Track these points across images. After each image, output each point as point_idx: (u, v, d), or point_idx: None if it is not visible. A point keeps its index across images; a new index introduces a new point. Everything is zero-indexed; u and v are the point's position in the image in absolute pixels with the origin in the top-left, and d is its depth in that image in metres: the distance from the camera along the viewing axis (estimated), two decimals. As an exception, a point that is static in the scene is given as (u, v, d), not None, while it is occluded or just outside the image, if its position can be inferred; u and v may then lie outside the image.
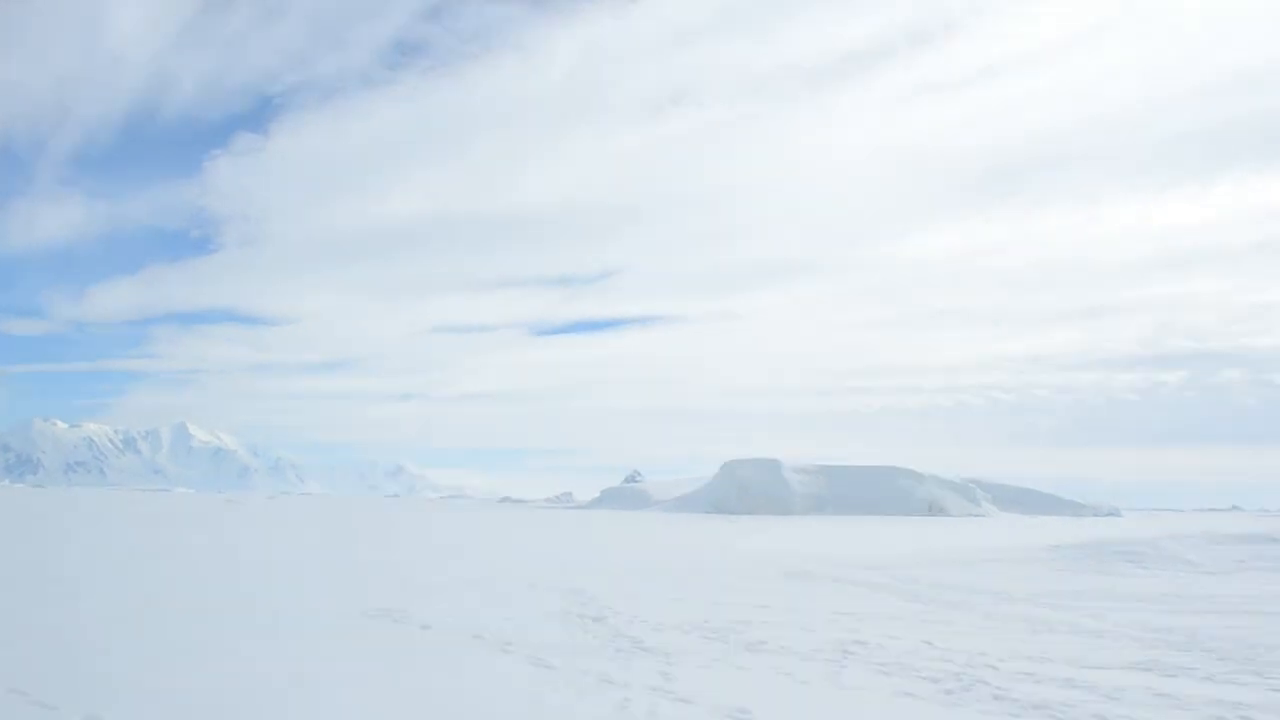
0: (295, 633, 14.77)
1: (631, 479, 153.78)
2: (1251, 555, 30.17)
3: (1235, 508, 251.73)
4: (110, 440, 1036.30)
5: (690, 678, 12.04)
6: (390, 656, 13.02)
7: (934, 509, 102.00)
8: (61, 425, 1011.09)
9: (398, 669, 12.22)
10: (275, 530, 48.46)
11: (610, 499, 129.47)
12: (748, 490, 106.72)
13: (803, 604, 19.88)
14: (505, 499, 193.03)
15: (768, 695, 11.29)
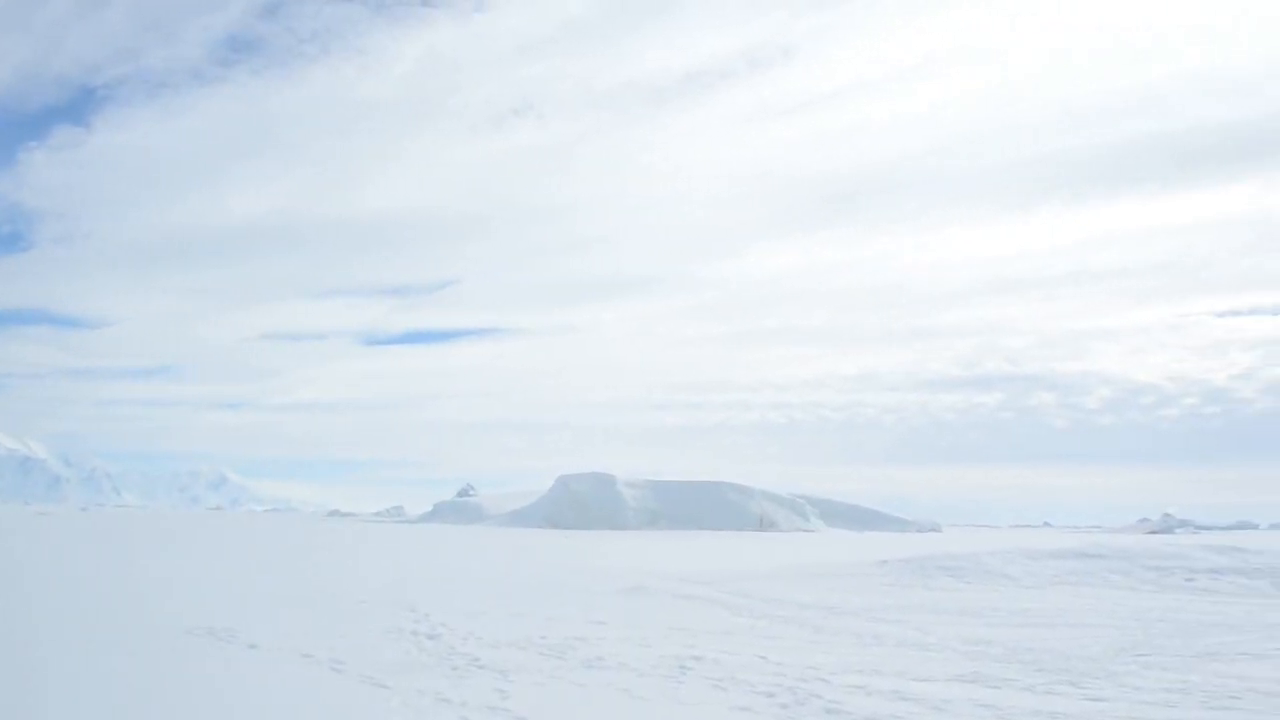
0: (109, 653, 14.05)
1: (464, 492, 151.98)
2: (1064, 570, 31.55)
3: (1047, 524, 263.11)
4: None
5: (528, 695, 11.90)
6: (215, 677, 12.50)
7: (765, 524, 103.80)
8: None
9: (223, 691, 11.74)
10: (88, 543, 46.19)
11: (442, 512, 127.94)
12: (582, 504, 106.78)
13: (639, 619, 19.91)
14: (334, 512, 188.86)
15: (606, 712, 11.24)
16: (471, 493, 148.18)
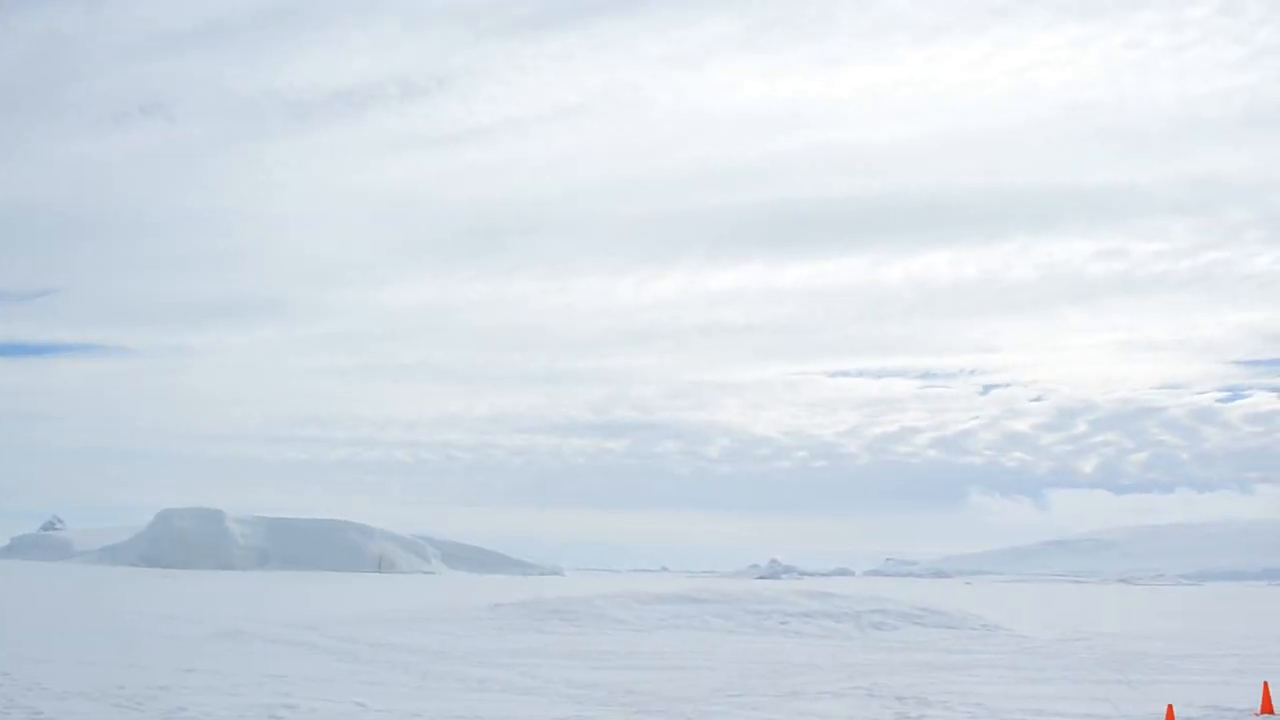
0: None
1: (50, 526, 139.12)
2: (672, 614, 32.59)
3: (665, 568, 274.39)
4: None
5: (88, 754, 10.67)
6: None
7: (384, 565, 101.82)
8: None
9: None
10: None
11: (22, 548, 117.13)
12: (185, 542, 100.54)
13: (232, 666, 18.69)
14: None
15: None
16: (59, 526, 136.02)
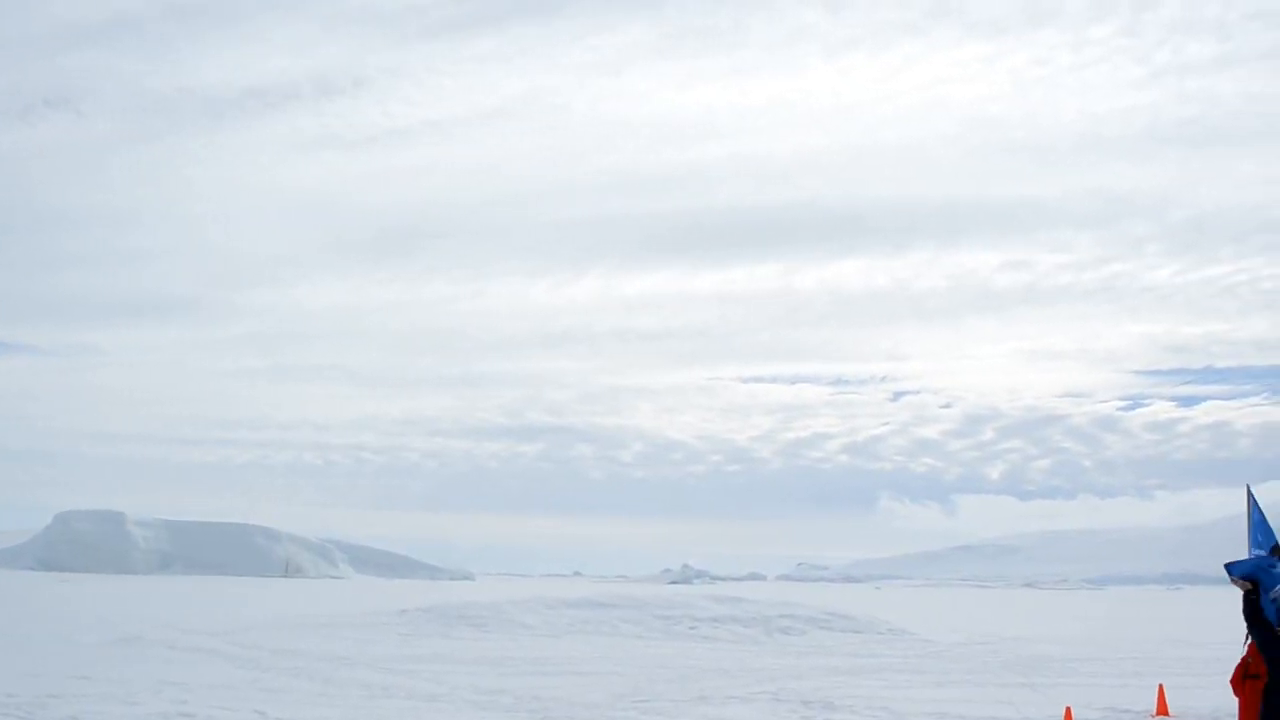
0: None
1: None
2: (581, 619, 32.49)
3: (577, 573, 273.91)
4: None
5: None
6: None
7: (291, 570, 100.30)
8: None
9: None
10: None
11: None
12: (84, 545, 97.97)
13: (128, 674, 18.20)
14: None
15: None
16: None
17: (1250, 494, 8.72)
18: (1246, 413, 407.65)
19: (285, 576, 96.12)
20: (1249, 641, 7.95)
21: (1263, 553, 8.23)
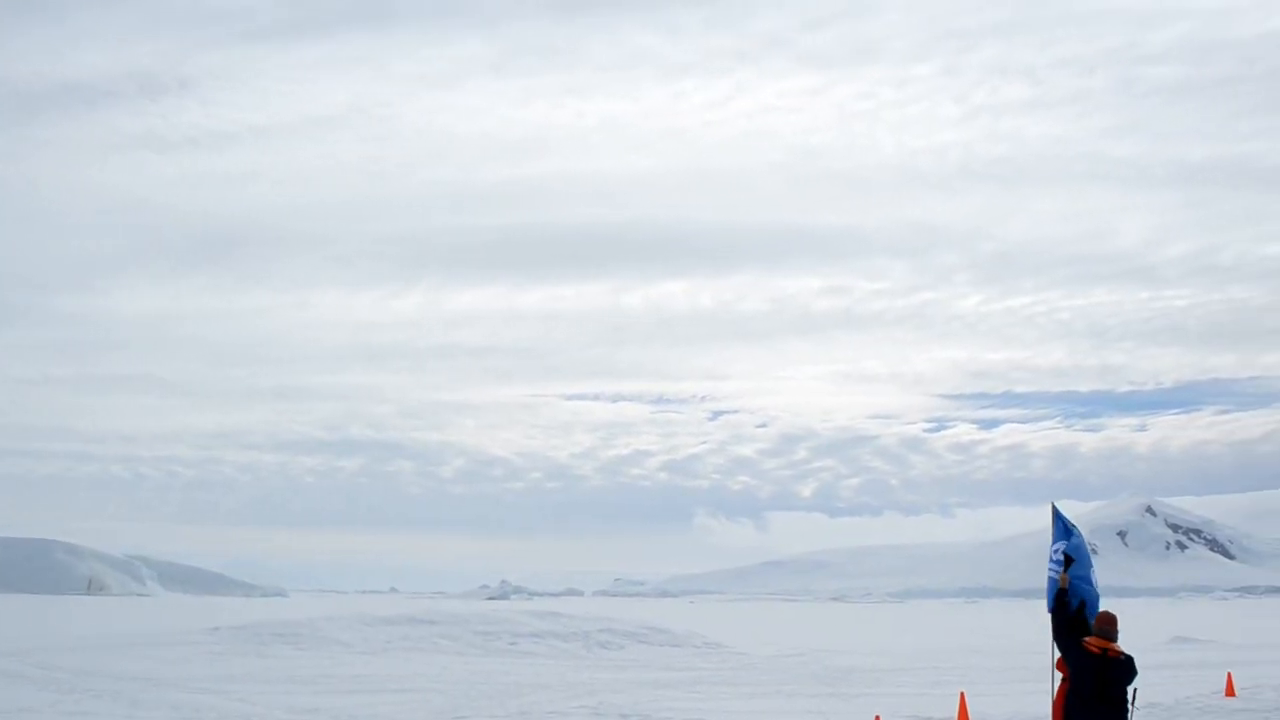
0: None
1: None
2: (399, 636, 32.12)
3: (394, 589, 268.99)
4: None
5: None
6: None
7: (94, 587, 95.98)
8: None
9: None
10: None
11: None
12: None
13: (-85, 698, 17.20)
14: None
15: None
16: None
17: (1056, 510, 9.43)
18: (1041, 435, 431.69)
19: (88, 594, 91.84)
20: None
21: (1059, 568, 8.92)
